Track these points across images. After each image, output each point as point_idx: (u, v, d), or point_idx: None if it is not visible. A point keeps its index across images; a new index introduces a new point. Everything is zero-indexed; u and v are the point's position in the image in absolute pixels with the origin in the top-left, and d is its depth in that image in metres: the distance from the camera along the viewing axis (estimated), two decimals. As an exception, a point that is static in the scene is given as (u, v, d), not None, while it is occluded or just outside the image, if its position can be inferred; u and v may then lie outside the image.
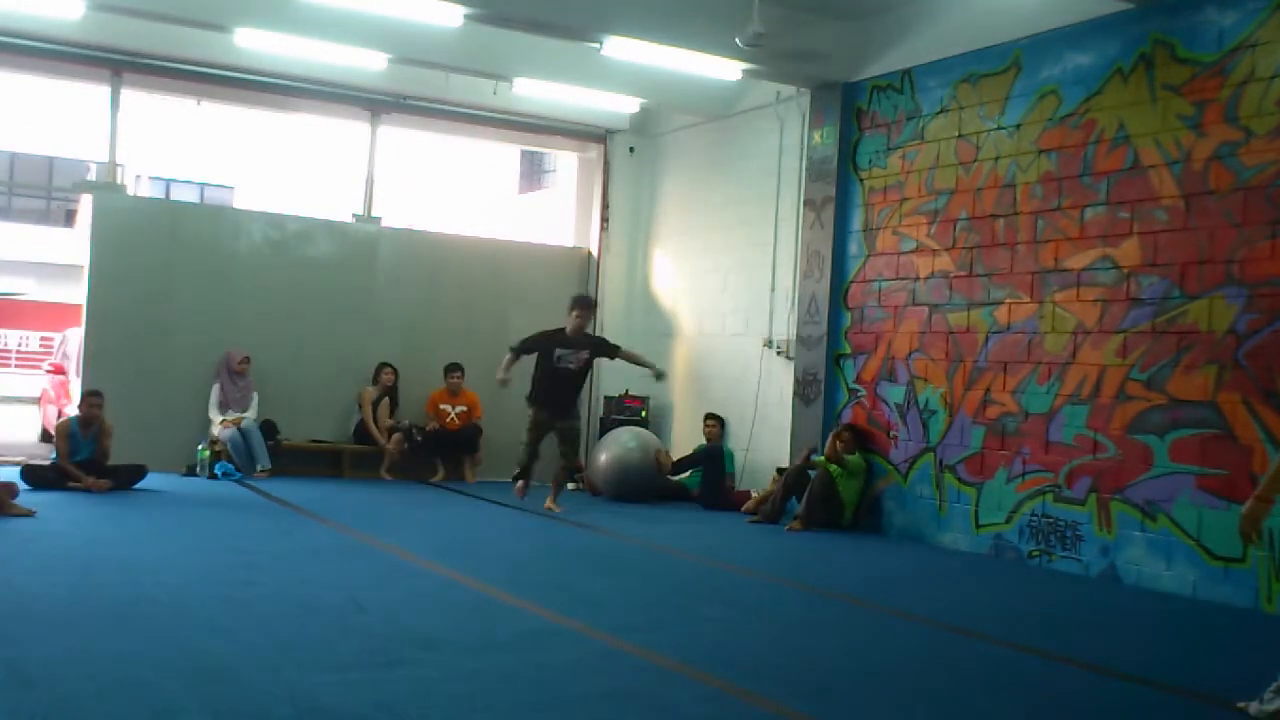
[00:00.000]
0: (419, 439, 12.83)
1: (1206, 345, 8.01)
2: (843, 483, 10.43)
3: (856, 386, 10.82)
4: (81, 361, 12.21)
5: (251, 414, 12.23)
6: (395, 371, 12.88)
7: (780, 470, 11.23)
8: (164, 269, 12.27)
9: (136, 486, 10.62)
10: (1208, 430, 7.95)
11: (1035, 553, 9.04)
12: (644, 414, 13.28)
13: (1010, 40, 9.51)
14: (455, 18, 10.05)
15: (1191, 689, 5.53)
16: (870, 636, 6.41)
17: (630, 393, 13.34)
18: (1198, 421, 8.02)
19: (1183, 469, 8.08)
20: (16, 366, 30.52)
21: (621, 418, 13.18)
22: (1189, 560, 8.00)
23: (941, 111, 10.13)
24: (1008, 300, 9.43)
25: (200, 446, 11.90)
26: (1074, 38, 9.04)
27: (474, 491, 12.12)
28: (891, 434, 10.39)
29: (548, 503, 10.80)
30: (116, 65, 12.29)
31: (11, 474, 10.05)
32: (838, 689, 5.16)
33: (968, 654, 6.12)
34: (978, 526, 9.52)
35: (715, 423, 12.27)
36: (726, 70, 10.98)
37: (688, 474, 12.18)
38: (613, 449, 12.14)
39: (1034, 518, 9.07)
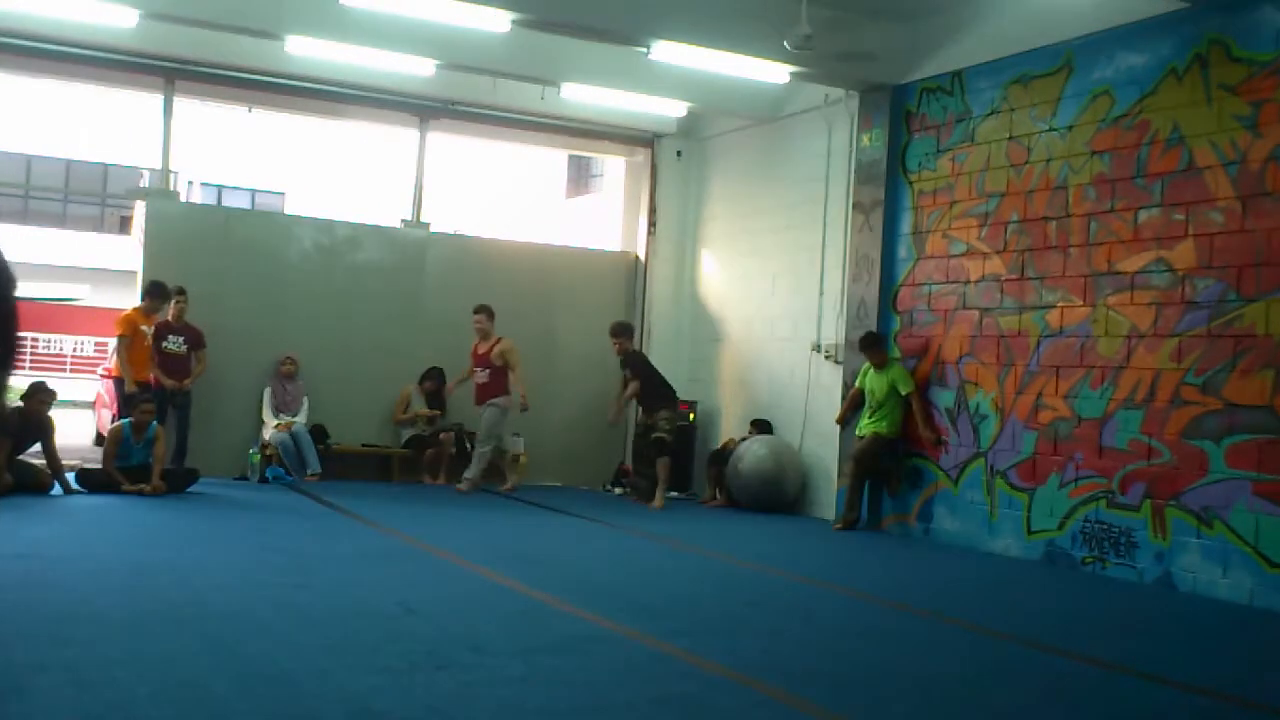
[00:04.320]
0: (468, 446, 12.86)
1: (1264, 349, 7.88)
2: (889, 404, 10.49)
3: (906, 391, 10.74)
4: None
5: (302, 418, 12.34)
6: (442, 375, 12.94)
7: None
8: (216, 274, 12.39)
9: (189, 490, 10.74)
10: (1265, 435, 7.82)
11: (1088, 559, 8.93)
12: (692, 417, 13.26)
13: (1062, 41, 9.42)
14: (503, 23, 10.08)
15: (1250, 699, 5.43)
16: (922, 644, 6.35)
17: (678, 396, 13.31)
18: (1255, 426, 7.89)
19: (1239, 474, 7.95)
20: (71, 371, 31.00)
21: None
22: (1246, 567, 7.87)
23: (992, 113, 10.04)
24: (1060, 304, 9.33)
25: (251, 450, 12.02)
26: (1127, 38, 8.93)
27: (521, 496, 12.14)
28: (941, 438, 10.31)
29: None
30: (170, 73, 12.43)
31: (67, 477, 10.22)
32: (890, 698, 5.11)
33: (1022, 663, 6.05)
34: (1030, 533, 9.42)
35: (760, 429, 12.28)
36: (774, 73, 10.94)
37: None
38: (748, 460, 11.91)
39: (1087, 524, 8.96)
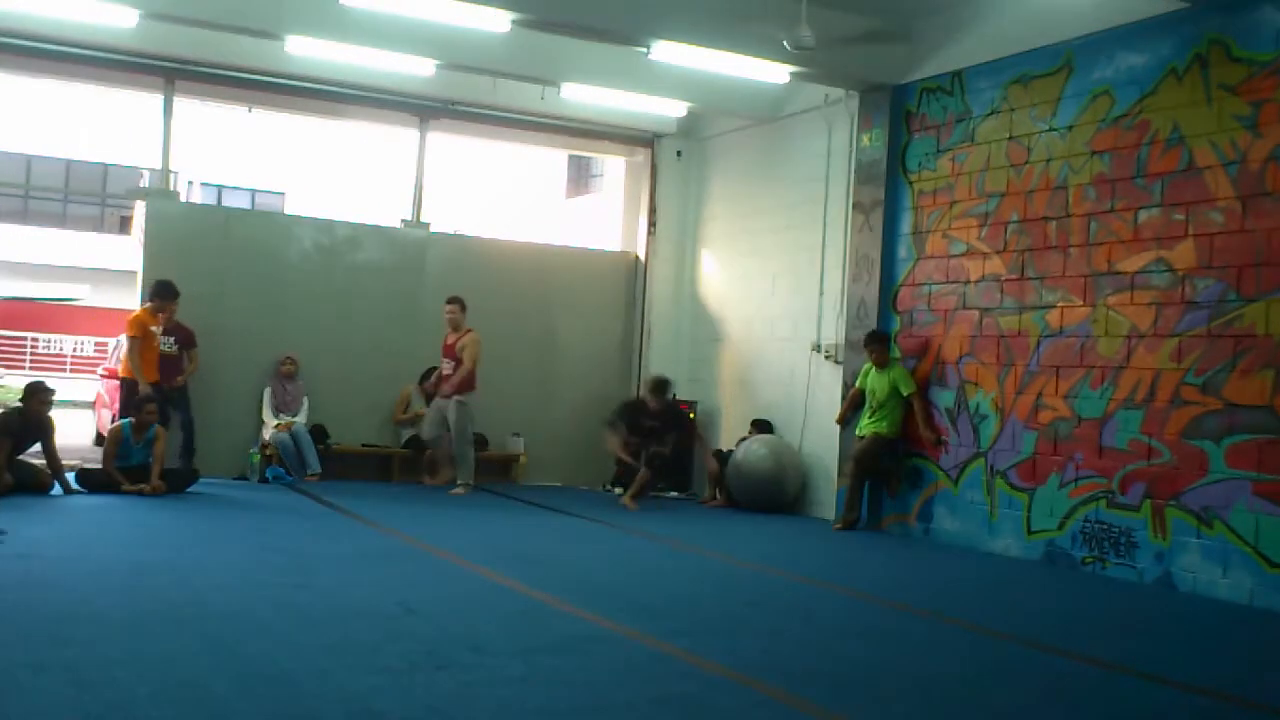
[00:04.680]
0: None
1: (1264, 349, 7.88)
2: (890, 404, 10.50)
3: (906, 391, 10.74)
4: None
5: (302, 418, 12.34)
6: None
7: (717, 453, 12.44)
8: (216, 274, 12.39)
9: (189, 490, 10.74)
10: (1265, 435, 7.82)
11: (1088, 559, 8.93)
12: (692, 417, 13.26)
13: (1062, 40, 9.42)
14: (503, 23, 10.08)
15: (1250, 699, 5.44)
16: (922, 644, 6.35)
17: (677, 397, 13.31)
18: (1255, 426, 7.89)
19: (1239, 474, 7.95)
20: (72, 371, 31.01)
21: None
22: (1246, 567, 7.87)
23: (992, 113, 10.04)
24: (1060, 304, 9.33)
25: (251, 450, 12.02)
26: (1127, 38, 8.93)
27: (521, 495, 12.14)
28: (941, 439, 10.31)
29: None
30: (169, 73, 12.43)
31: (67, 477, 10.22)
32: (890, 698, 5.11)
33: (1022, 663, 6.05)
34: (1030, 533, 9.42)
35: (761, 429, 12.29)
36: (774, 73, 10.94)
37: None
38: (748, 460, 11.90)
39: (1087, 524, 8.96)
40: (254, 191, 33.90)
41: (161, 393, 11.12)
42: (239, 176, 33.52)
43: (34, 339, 33.54)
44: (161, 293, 11.41)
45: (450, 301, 12.17)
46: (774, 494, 11.75)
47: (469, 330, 12.07)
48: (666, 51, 10.54)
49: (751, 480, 11.77)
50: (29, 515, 8.80)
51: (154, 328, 11.34)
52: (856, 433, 10.87)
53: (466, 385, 11.93)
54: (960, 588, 8.26)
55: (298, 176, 33.06)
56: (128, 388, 11.34)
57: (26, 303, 32.93)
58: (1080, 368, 9.13)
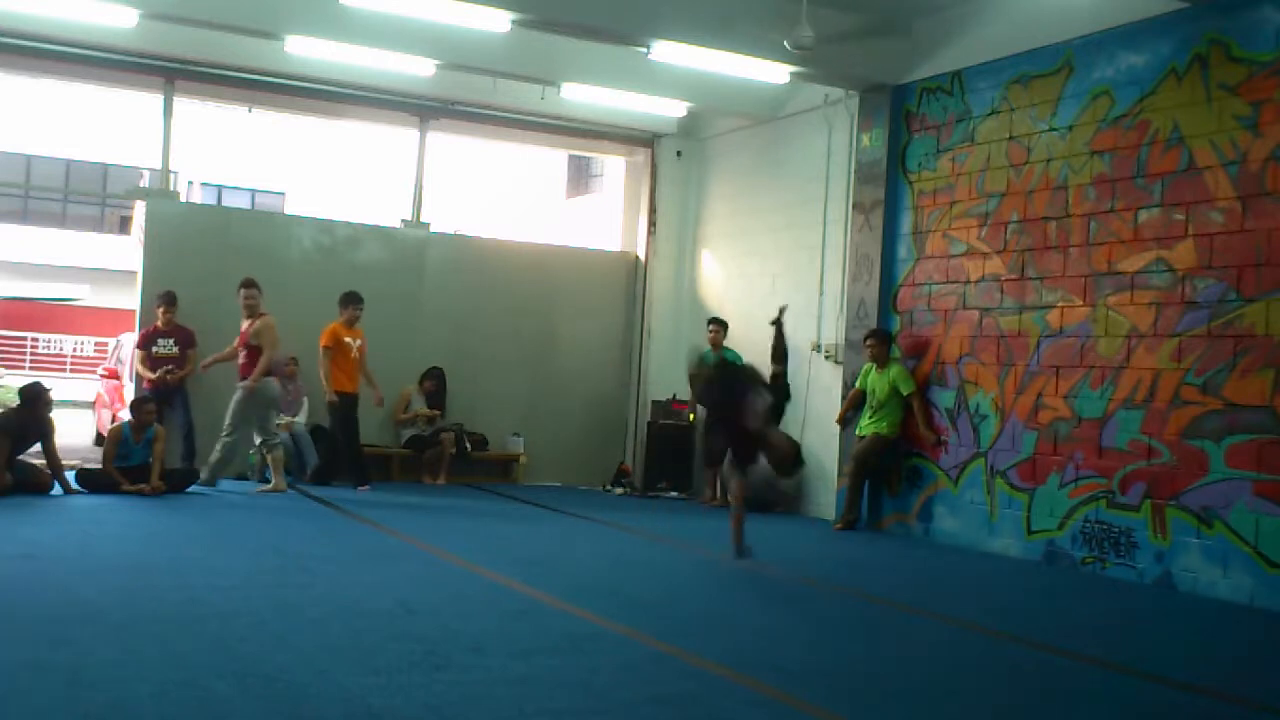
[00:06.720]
0: (468, 447, 12.91)
1: (1264, 349, 7.88)
2: (890, 404, 10.48)
3: (906, 391, 10.74)
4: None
5: (302, 418, 12.34)
6: (441, 375, 13.00)
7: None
8: (216, 274, 12.37)
9: (189, 490, 10.74)
10: (1265, 435, 7.82)
11: (1088, 559, 8.92)
12: (692, 418, 13.26)
13: (1062, 40, 9.41)
14: (503, 23, 10.08)
15: (1250, 699, 5.43)
16: (922, 643, 6.35)
17: (678, 397, 13.33)
18: (1255, 426, 7.89)
19: (1239, 475, 7.94)
20: (72, 371, 31.01)
21: (669, 422, 13.20)
22: (1246, 568, 7.86)
23: (992, 113, 10.04)
24: (1060, 304, 9.33)
25: (251, 451, 12.00)
26: (1127, 38, 8.93)
27: (521, 495, 12.14)
28: (941, 439, 10.31)
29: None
30: (169, 73, 12.43)
31: (67, 477, 10.22)
32: (889, 697, 5.12)
33: (1022, 662, 6.05)
34: (1029, 533, 9.42)
35: (718, 328, 12.16)
36: (774, 73, 10.94)
37: None
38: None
39: (1087, 524, 8.96)
40: (254, 191, 33.87)
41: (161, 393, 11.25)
42: (239, 176, 33.48)
43: (34, 339, 33.56)
44: (351, 300, 11.80)
45: (249, 286, 11.47)
46: (774, 494, 11.70)
47: (263, 314, 11.40)
48: (666, 51, 10.55)
49: (751, 480, 11.73)
50: (29, 515, 8.80)
51: (347, 339, 11.70)
52: (857, 433, 10.88)
53: (261, 371, 11.21)
54: (960, 588, 8.26)
55: (298, 176, 33.05)
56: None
57: (26, 303, 32.93)
58: (1080, 368, 9.12)
